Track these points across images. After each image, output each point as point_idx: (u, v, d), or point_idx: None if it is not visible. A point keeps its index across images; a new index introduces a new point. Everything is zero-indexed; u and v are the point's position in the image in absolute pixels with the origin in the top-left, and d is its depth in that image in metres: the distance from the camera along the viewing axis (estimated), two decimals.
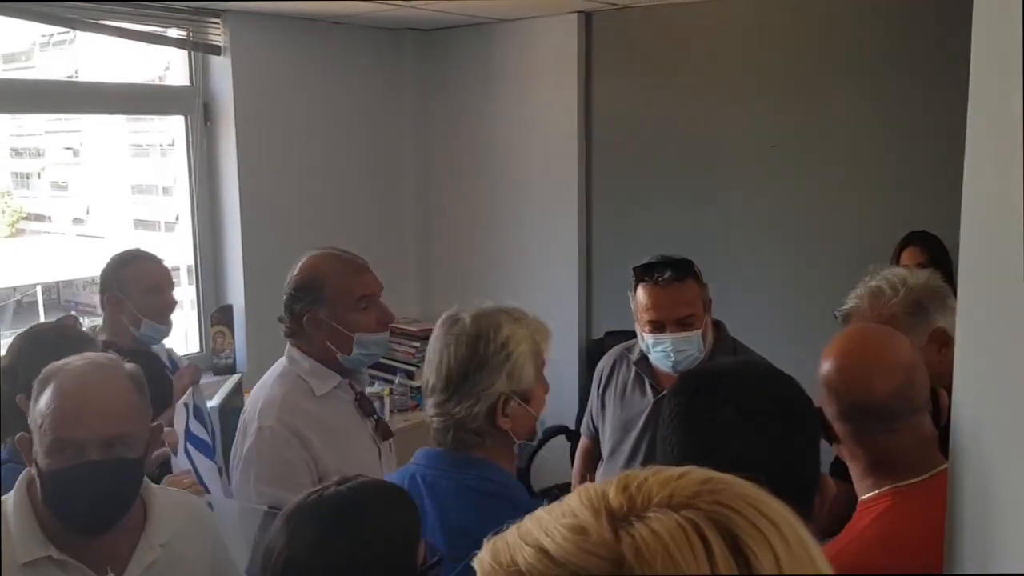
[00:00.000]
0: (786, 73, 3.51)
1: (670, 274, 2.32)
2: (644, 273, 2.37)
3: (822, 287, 3.46)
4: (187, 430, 2.34)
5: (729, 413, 1.19)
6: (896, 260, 3.14)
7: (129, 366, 1.58)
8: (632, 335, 2.48)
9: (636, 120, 3.92)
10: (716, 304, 2.45)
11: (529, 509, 0.63)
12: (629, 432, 2.46)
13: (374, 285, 2.12)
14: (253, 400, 2.10)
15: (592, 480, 1.55)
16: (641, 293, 2.37)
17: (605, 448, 2.55)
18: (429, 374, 1.66)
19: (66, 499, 1.47)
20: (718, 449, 1.15)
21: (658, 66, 3.83)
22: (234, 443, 2.13)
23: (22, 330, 2.26)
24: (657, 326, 2.34)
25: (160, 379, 2.54)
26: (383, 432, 2.16)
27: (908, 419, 1.45)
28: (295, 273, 2.10)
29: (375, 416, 2.18)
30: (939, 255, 2.95)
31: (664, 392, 2.25)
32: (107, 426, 1.48)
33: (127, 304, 2.68)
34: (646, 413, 2.41)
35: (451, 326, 1.66)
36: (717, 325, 2.46)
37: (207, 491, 2.20)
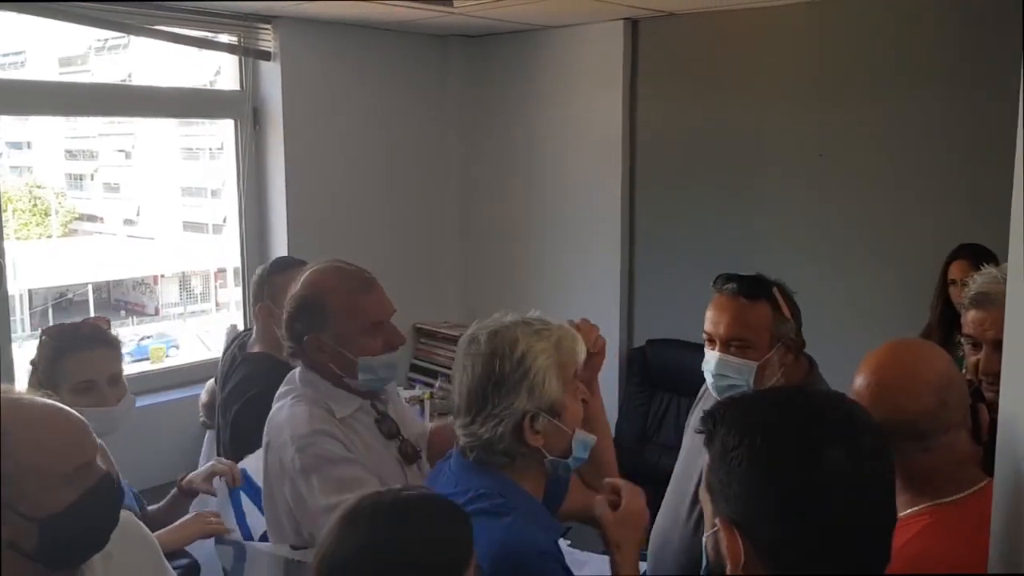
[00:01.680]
0: (834, 81, 3.47)
1: (734, 287, 2.08)
2: (716, 280, 2.16)
3: (871, 300, 3.43)
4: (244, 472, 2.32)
5: (836, 457, 1.00)
6: (945, 273, 3.09)
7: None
8: (674, 344, 2.40)
9: (681, 128, 3.90)
10: None
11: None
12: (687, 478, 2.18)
13: (382, 307, 1.99)
14: (276, 428, 1.96)
15: None
16: (711, 302, 2.16)
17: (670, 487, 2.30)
18: (455, 395, 1.63)
19: (79, 532, 1.39)
20: (816, 506, 1.00)
21: (704, 74, 3.82)
22: (264, 477, 2.03)
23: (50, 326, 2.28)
24: (710, 340, 2.12)
25: None
26: (408, 455, 2.03)
27: (941, 437, 1.42)
28: (296, 289, 1.99)
29: (400, 438, 2.04)
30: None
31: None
32: (93, 441, 1.43)
33: (280, 314, 2.55)
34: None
35: (468, 345, 1.62)
36: (811, 363, 2.18)
37: (244, 534, 2.20)
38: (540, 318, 1.66)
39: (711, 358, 2.11)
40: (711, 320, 2.11)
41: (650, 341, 3.96)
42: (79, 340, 2.17)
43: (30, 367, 2.21)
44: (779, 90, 3.61)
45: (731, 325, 2.07)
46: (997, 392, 1.88)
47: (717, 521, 1.06)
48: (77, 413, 1.43)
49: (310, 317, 1.94)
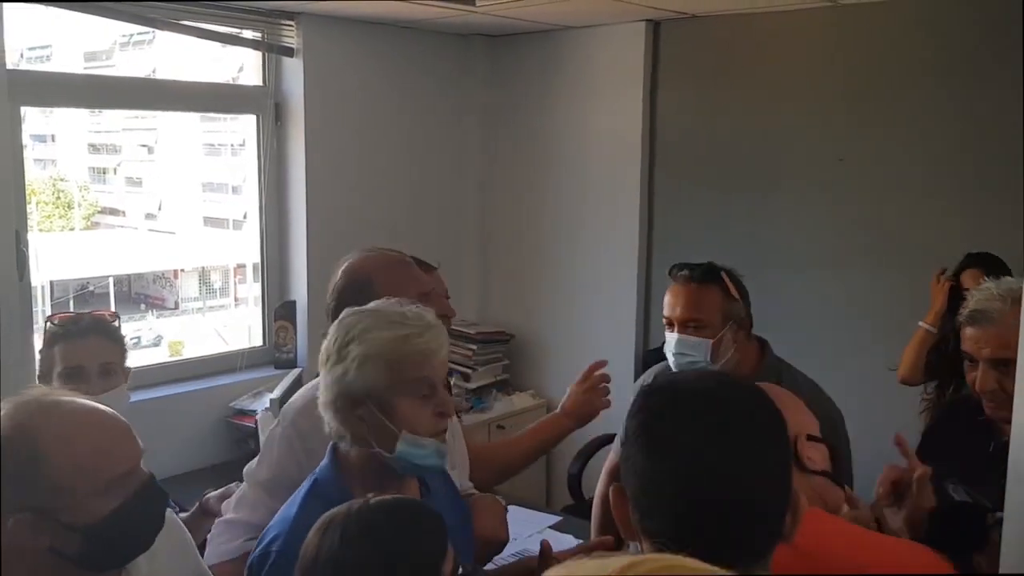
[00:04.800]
0: (854, 86, 3.46)
1: (687, 273, 2.30)
2: (671, 270, 2.37)
3: (884, 306, 3.41)
4: None
5: (695, 433, 1.09)
6: (956, 281, 3.06)
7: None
8: None
9: (701, 130, 3.90)
10: (775, 319, 2.41)
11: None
12: None
13: (427, 280, 2.04)
14: (292, 399, 2.06)
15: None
16: (667, 292, 2.37)
17: None
18: None
19: (123, 537, 1.37)
20: (684, 475, 1.08)
21: (725, 76, 3.81)
22: None
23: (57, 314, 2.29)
24: (669, 324, 2.33)
25: None
26: None
27: None
28: (339, 276, 2.03)
29: None
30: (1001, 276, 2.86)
31: None
32: (135, 445, 1.41)
33: None
34: None
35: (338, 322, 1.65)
36: (762, 346, 2.39)
37: None
38: (417, 312, 1.62)
39: (671, 339, 2.31)
40: (668, 305, 2.33)
41: None
42: (76, 328, 2.18)
43: (39, 354, 2.24)
44: (800, 94, 3.60)
45: (686, 307, 2.28)
46: (995, 409, 1.89)
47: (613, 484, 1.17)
48: (119, 415, 1.41)
49: (357, 294, 1.93)
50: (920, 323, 3.06)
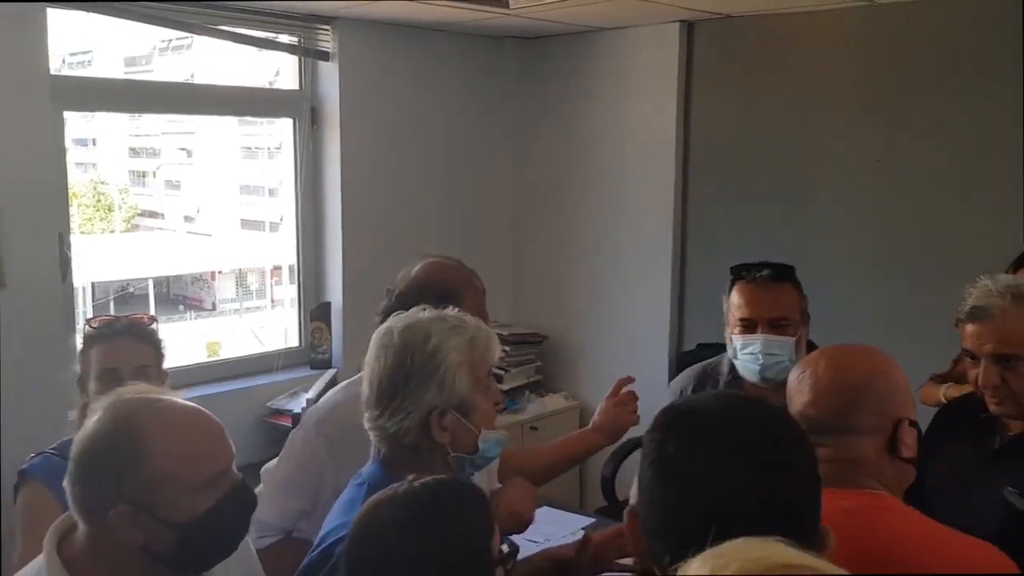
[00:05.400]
0: (891, 86, 3.41)
1: (768, 272, 2.26)
2: (741, 270, 2.30)
3: (924, 311, 3.36)
4: None
5: (702, 455, 1.05)
6: None
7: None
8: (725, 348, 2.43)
9: (736, 131, 3.88)
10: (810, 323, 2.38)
11: None
12: None
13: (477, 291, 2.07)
14: (318, 404, 2.08)
15: None
16: (735, 292, 2.29)
17: None
18: (365, 387, 1.61)
19: (214, 538, 1.39)
20: (691, 500, 1.04)
21: (760, 76, 3.78)
22: None
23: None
24: (748, 325, 2.25)
25: None
26: None
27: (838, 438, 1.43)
28: (419, 275, 2.05)
29: None
30: None
31: None
32: (229, 446, 1.44)
33: None
34: None
35: (382, 337, 1.61)
36: (811, 347, 2.30)
37: None
38: (457, 315, 1.64)
39: (755, 340, 2.24)
40: (751, 305, 2.26)
41: (700, 345, 3.93)
42: (110, 331, 2.19)
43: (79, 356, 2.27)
44: (836, 94, 3.57)
45: (773, 307, 2.24)
46: (997, 405, 1.89)
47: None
48: (214, 416, 1.44)
49: (437, 298, 1.89)
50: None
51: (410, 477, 1.36)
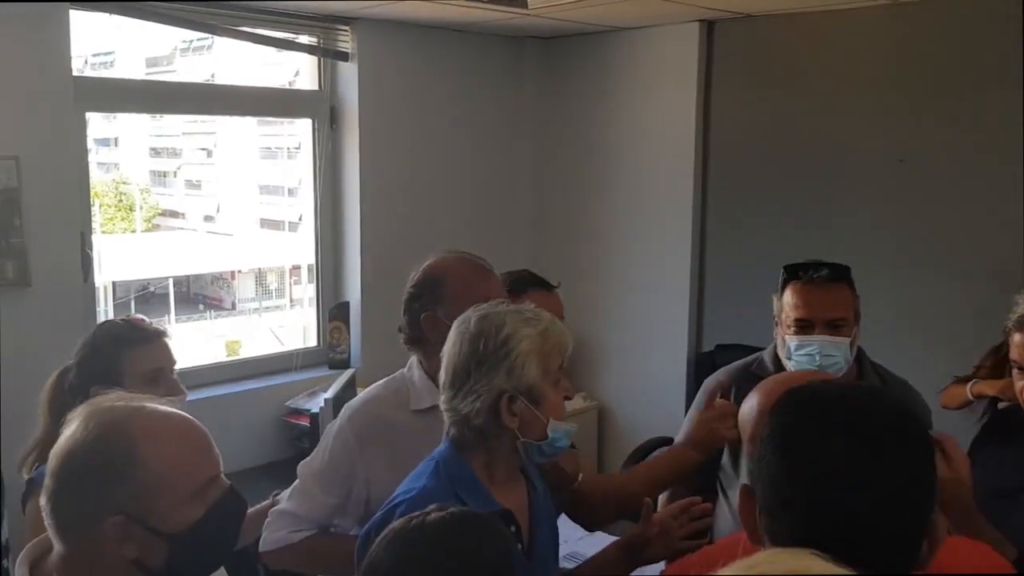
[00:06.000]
0: (913, 85, 3.39)
1: (826, 272, 2.22)
2: (798, 270, 2.25)
3: (948, 313, 3.33)
4: None
5: (840, 443, 1.06)
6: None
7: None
8: (744, 349, 2.40)
9: (755, 130, 3.86)
10: None
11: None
12: None
13: (496, 289, 2.05)
14: (355, 398, 2.11)
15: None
16: (790, 292, 2.24)
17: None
18: (442, 372, 1.69)
19: (207, 547, 1.36)
20: (820, 483, 1.05)
21: (780, 76, 3.76)
22: None
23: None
24: (805, 326, 2.20)
25: None
26: None
27: None
28: (417, 273, 2.07)
29: None
30: None
31: None
32: (217, 453, 1.40)
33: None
34: None
35: (459, 324, 1.68)
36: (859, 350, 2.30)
37: None
38: (534, 309, 1.69)
39: (812, 341, 2.19)
40: (808, 305, 2.21)
41: (720, 346, 3.92)
42: (151, 332, 2.15)
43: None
44: (857, 93, 3.54)
45: (833, 307, 2.20)
46: None
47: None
48: (199, 422, 1.40)
49: (428, 294, 2.01)
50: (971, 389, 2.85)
51: (430, 507, 1.37)
